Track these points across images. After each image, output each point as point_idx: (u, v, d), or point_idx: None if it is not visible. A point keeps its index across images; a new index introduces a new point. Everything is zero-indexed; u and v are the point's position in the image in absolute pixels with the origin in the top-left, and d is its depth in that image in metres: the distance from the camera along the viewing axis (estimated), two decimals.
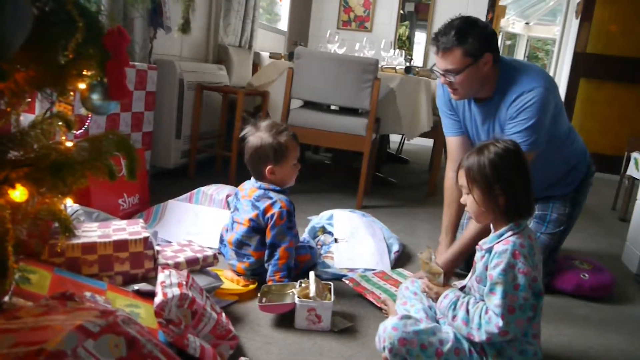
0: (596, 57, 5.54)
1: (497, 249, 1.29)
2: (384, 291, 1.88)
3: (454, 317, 1.31)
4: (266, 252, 1.83)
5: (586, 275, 2.13)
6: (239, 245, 1.87)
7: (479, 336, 1.26)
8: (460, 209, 2.07)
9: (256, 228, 1.85)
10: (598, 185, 4.89)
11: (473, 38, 1.83)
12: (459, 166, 1.41)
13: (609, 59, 5.49)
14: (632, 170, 3.43)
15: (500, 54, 1.94)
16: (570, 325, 1.86)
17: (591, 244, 2.94)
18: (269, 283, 1.79)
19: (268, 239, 1.82)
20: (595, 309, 2.03)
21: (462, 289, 1.45)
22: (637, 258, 2.50)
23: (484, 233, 1.51)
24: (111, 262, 1.52)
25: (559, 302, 2.05)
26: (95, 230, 1.60)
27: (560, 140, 2.07)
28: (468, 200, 1.38)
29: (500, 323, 1.23)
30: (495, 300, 1.25)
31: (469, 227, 1.91)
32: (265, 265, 1.83)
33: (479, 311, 1.27)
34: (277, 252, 1.81)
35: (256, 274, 1.87)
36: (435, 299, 1.42)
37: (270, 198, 1.86)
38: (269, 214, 1.82)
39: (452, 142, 2.16)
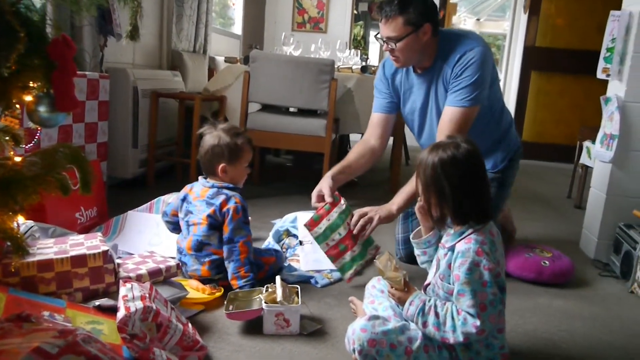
0: (545, 50, 5.70)
1: (460, 248, 1.29)
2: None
3: (424, 323, 1.29)
4: (224, 248, 1.82)
5: (546, 262, 2.18)
6: (199, 246, 1.85)
7: (455, 338, 1.25)
8: (362, 159, 2.22)
9: (214, 225, 1.84)
10: (553, 174, 5.05)
11: (414, 8, 1.95)
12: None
13: (557, 52, 5.66)
14: (584, 159, 3.53)
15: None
16: (534, 313, 1.90)
17: (550, 232, 3.02)
18: (233, 282, 1.79)
19: (225, 234, 1.82)
20: (556, 295, 2.08)
21: (426, 287, 1.46)
22: (593, 244, 2.58)
23: None
24: (70, 279, 1.47)
25: (521, 291, 2.09)
26: (51, 247, 1.55)
27: (497, 108, 2.18)
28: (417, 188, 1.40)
29: (478, 323, 1.22)
30: (466, 301, 1.25)
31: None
32: (226, 263, 1.82)
33: (450, 313, 1.26)
34: (236, 247, 1.81)
35: (222, 271, 1.85)
36: (400, 304, 1.38)
37: (225, 194, 1.87)
38: (225, 209, 1.83)
39: (375, 117, 2.30)
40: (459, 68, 1.99)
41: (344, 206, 2.00)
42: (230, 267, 1.81)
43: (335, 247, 1.98)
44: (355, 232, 1.97)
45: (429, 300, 1.32)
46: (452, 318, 1.26)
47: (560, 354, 1.62)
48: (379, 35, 2.03)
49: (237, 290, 1.74)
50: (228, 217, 1.82)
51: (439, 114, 2.10)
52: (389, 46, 2.01)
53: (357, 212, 2.00)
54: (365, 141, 2.28)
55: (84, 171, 0.99)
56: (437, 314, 1.28)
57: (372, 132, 2.28)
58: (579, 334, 1.76)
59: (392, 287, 1.40)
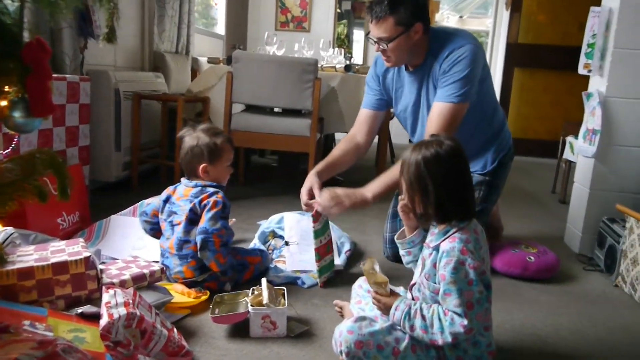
0: (528, 46, 5.75)
1: (445, 248, 1.29)
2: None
3: (411, 327, 1.28)
4: (198, 238, 1.79)
5: (532, 258, 2.19)
6: (180, 245, 1.83)
7: (444, 339, 1.24)
8: (347, 156, 2.22)
9: (194, 220, 1.83)
10: (537, 170, 5.09)
11: (405, 8, 1.92)
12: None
13: (540, 48, 5.70)
14: (568, 154, 3.56)
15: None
16: (520, 308, 1.91)
17: (534, 227, 3.04)
18: (213, 266, 1.79)
19: (200, 225, 1.80)
20: (542, 291, 2.09)
21: (412, 286, 1.45)
22: (578, 238, 2.60)
23: None
24: (51, 286, 1.45)
25: (507, 286, 2.10)
26: (31, 254, 1.52)
27: (489, 108, 2.17)
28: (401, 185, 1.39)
29: (465, 322, 1.22)
30: (453, 301, 1.24)
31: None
32: (200, 253, 1.79)
33: (436, 315, 1.26)
34: (211, 238, 1.78)
35: (206, 270, 1.83)
36: (385, 311, 1.36)
37: (208, 192, 1.87)
38: (205, 202, 1.83)
39: (364, 113, 2.29)
40: (447, 64, 1.98)
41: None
42: (207, 255, 1.78)
43: (324, 246, 1.98)
44: (319, 209, 1.92)
45: (415, 304, 1.31)
46: (439, 319, 1.25)
47: (547, 349, 1.63)
48: (370, 35, 2.01)
49: (223, 293, 1.72)
50: (206, 208, 1.82)
51: (429, 109, 2.10)
52: (381, 47, 2.00)
53: (327, 190, 1.94)
54: (351, 137, 2.27)
55: (62, 177, 0.97)
56: (423, 317, 1.27)
57: (359, 128, 2.28)
58: (564, 328, 1.77)
59: (376, 293, 1.38)
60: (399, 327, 1.32)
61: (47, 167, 1.00)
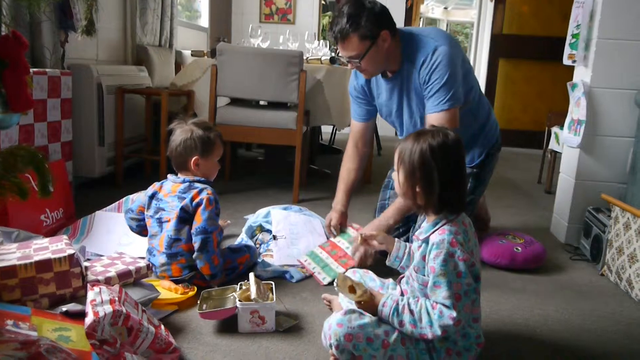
0: (512, 37, 5.76)
1: (434, 240, 1.28)
2: (328, 271, 1.96)
3: (400, 322, 1.27)
4: (196, 239, 1.78)
5: (519, 248, 2.20)
6: (170, 243, 1.81)
7: (433, 333, 1.23)
8: (359, 170, 2.28)
9: (184, 218, 1.81)
10: (523, 160, 5.12)
11: (365, 20, 1.88)
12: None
13: (524, 39, 5.72)
14: (553, 145, 3.58)
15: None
16: (509, 299, 1.91)
17: (521, 218, 3.06)
18: (205, 269, 1.78)
19: (198, 225, 1.78)
20: (530, 281, 2.10)
21: (401, 279, 1.45)
22: (564, 228, 2.61)
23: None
24: (35, 285, 1.42)
25: (495, 277, 2.11)
26: (14, 252, 1.49)
27: (472, 101, 2.15)
28: (394, 177, 1.38)
29: (454, 314, 1.21)
30: (442, 293, 1.24)
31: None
32: (197, 253, 1.78)
33: (424, 309, 1.25)
34: (210, 238, 1.78)
35: (194, 269, 1.82)
36: (372, 312, 1.34)
37: (196, 188, 1.84)
38: (197, 200, 1.81)
39: (355, 126, 2.30)
40: (425, 73, 1.94)
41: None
42: (203, 256, 1.78)
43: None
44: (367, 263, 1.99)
45: (402, 299, 1.30)
46: (428, 313, 1.24)
47: (535, 339, 1.64)
48: (340, 55, 2.01)
49: (211, 289, 1.71)
50: (201, 207, 1.80)
51: (411, 114, 2.10)
52: (355, 64, 1.98)
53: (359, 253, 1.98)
54: (354, 150, 2.28)
55: (43, 174, 0.95)
56: (411, 312, 1.26)
57: (357, 138, 2.28)
58: (552, 317, 1.78)
59: (360, 303, 1.34)
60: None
61: (28, 163, 0.98)
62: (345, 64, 3.49)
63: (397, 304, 1.29)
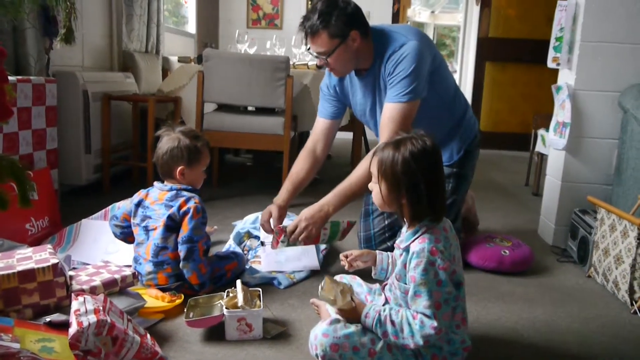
0: (498, 40, 5.81)
1: (414, 249, 1.27)
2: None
3: (383, 333, 1.27)
4: (182, 247, 1.77)
5: (506, 251, 2.21)
6: (157, 252, 1.80)
7: (415, 343, 1.23)
8: (310, 174, 2.23)
9: (171, 227, 1.80)
10: (511, 163, 5.15)
11: (336, 19, 1.90)
12: (374, 152, 1.38)
13: (510, 42, 5.77)
14: (540, 147, 3.61)
15: (371, 25, 2.02)
16: (497, 302, 1.92)
17: (509, 220, 3.07)
18: (193, 278, 1.77)
19: (184, 234, 1.78)
20: (518, 284, 2.10)
21: (384, 286, 1.45)
22: (551, 230, 2.63)
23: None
24: (18, 295, 1.40)
25: (483, 281, 2.12)
26: None
27: (447, 96, 2.15)
28: (375, 189, 1.35)
29: (435, 323, 1.21)
30: (423, 302, 1.23)
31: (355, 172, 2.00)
32: (183, 262, 1.77)
33: (405, 319, 1.25)
34: (196, 247, 1.78)
35: (180, 279, 1.81)
36: (353, 321, 1.34)
37: (184, 196, 1.83)
38: (184, 208, 1.80)
39: (320, 123, 2.27)
40: (391, 65, 1.95)
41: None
42: (190, 265, 1.77)
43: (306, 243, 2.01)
44: (300, 239, 1.95)
45: (384, 310, 1.29)
46: (409, 324, 1.24)
47: (523, 342, 1.64)
48: (310, 50, 1.99)
49: (198, 297, 1.69)
50: (188, 215, 1.79)
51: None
52: (322, 61, 1.98)
53: (292, 225, 1.95)
54: (310, 151, 2.24)
55: (22, 184, 0.93)
56: (392, 322, 1.26)
57: (318, 139, 2.25)
58: (540, 320, 1.79)
59: (340, 312, 1.34)
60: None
61: (8, 174, 0.96)
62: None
63: (380, 315, 1.28)
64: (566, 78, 2.56)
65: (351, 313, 1.33)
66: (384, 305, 1.35)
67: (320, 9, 1.90)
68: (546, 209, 2.74)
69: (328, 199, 1.98)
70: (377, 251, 1.57)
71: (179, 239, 1.78)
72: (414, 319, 1.24)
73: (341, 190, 1.98)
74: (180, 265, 1.78)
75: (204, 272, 1.79)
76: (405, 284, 1.29)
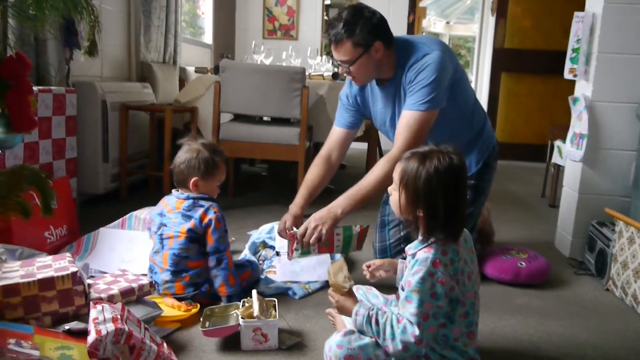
0: (513, 51, 5.79)
1: (419, 256, 1.26)
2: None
3: (369, 331, 1.28)
4: (211, 258, 1.81)
5: (523, 263, 2.19)
6: (177, 261, 1.81)
7: (394, 346, 1.22)
8: (325, 181, 2.20)
9: (194, 238, 1.82)
10: (527, 174, 5.11)
11: (361, 29, 1.91)
12: (398, 158, 1.36)
13: (525, 53, 5.75)
14: (556, 158, 3.58)
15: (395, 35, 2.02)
16: (512, 314, 1.90)
17: (525, 232, 3.05)
18: (222, 290, 1.80)
19: (210, 245, 1.81)
20: (534, 296, 2.08)
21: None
22: (568, 242, 2.60)
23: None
24: (37, 303, 1.42)
25: (499, 292, 2.10)
26: (17, 270, 1.49)
27: (467, 109, 2.15)
28: (394, 195, 1.35)
29: (417, 332, 1.20)
30: (410, 309, 1.22)
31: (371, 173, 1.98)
32: (213, 272, 1.81)
33: (389, 321, 1.24)
34: (224, 256, 1.81)
35: (197, 288, 1.82)
36: (339, 310, 1.38)
37: (202, 206, 1.85)
38: (206, 221, 1.82)
39: (336, 132, 2.27)
40: (413, 72, 1.95)
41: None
42: (220, 275, 1.80)
43: (320, 250, 1.99)
44: (312, 242, 1.93)
45: (373, 309, 1.30)
46: (392, 326, 1.24)
47: (539, 355, 1.62)
48: (333, 57, 2.01)
49: (214, 306, 1.70)
50: (211, 227, 1.81)
51: None
52: (344, 69, 2.00)
53: (302, 228, 1.94)
54: (325, 158, 2.23)
55: (45, 193, 0.95)
56: (377, 322, 1.26)
57: (333, 147, 2.24)
58: (556, 334, 1.77)
59: (332, 291, 1.39)
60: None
61: (31, 183, 0.98)
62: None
63: (369, 314, 1.29)
64: (583, 89, 2.54)
65: (344, 305, 1.36)
66: None
67: (346, 17, 1.91)
68: (563, 221, 2.71)
69: (337, 202, 1.98)
70: (399, 260, 1.56)
71: (208, 250, 1.82)
72: (398, 323, 1.23)
73: (351, 194, 1.98)
74: (212, 274, 1.82)
75: (231, 283, 1.80)
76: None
